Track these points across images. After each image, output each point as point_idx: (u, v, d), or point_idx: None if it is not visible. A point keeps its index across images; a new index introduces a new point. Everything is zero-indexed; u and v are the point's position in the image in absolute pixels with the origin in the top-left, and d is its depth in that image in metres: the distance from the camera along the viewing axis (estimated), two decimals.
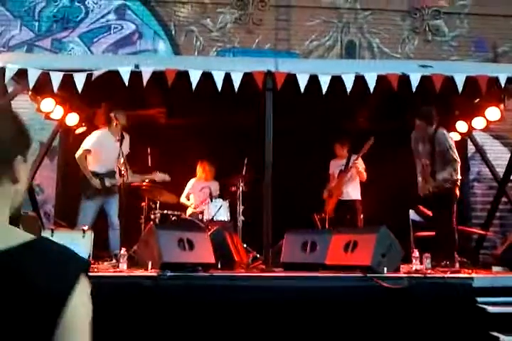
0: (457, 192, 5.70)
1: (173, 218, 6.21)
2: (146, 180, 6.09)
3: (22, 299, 0.93)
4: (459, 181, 5.71)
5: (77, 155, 5.89)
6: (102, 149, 5.86)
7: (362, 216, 6.67)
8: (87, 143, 5.90)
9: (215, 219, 6.16)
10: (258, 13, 8.54)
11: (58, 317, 0.94)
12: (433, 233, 5.76)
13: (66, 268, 1.00)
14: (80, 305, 0.98)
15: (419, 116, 5.70)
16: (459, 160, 5.67)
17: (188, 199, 6.92)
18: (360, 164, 6.74)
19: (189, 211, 6.67)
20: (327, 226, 6.56)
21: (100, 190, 5.80)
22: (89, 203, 5.78)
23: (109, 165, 5.88)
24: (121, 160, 5.78)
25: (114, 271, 4.72)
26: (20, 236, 1.02)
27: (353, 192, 6.78)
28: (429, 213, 5.92)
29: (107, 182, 5.81)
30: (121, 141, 5.82)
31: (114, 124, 5.94)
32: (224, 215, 6.27)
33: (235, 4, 8.53)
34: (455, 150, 5.66)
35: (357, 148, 6.68)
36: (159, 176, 6.06)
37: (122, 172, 5.80)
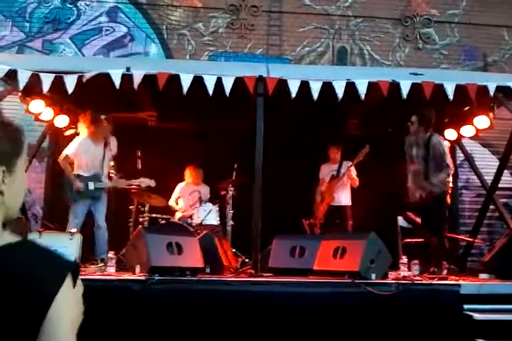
0: (448, 199, 5.67)
1: (162, 222, 6.18)
2: (132, 186, 6.05)
3: (8, 298, 0.94)
4: (450, 188, 5.70)
5: (59, 159, 5.87)
6: (84, 155, 5.83)
7: (351, 222, 6.68)
8: (68, 149, 5.86)
9: (204, 223, 6.14)
10: (250, 18, 8.57)
11: (43, 317, 0.95)
12: (422, 239, 5.76)
13: (52, 269, 1.00)
14: (66, 305, 0.98)
15: (418, 120, 5.63)
16: (452, 166, 5.64)
17: (177, 203, 6.88)
18: (353, 170, 6.75)
19: (178, 215, 6.64)
20: (317, 231, 6.55)
21: (84, 193, 5.75)
22: (78, 205, 5.74)
23: (93, 169, 5.85)
24: (111, 163, 5.80)
25: (102, 275, 4.69)
26: (8, 238, 1.02)
27: (343, 198, 6.77)
28: (418, 220, 5.91)
29: (91, 186, 5.77)
30: (106, 144, 5.86)
31: (103, 126, 5.90)
32: (213, 219, 6.26)
33: (227, 9, 8.55)
34: (449, 157, 5.64)
35: (347, 154, 6.69)
36: (144, 182, 6.00)
37: (110, 175, 5.80)
